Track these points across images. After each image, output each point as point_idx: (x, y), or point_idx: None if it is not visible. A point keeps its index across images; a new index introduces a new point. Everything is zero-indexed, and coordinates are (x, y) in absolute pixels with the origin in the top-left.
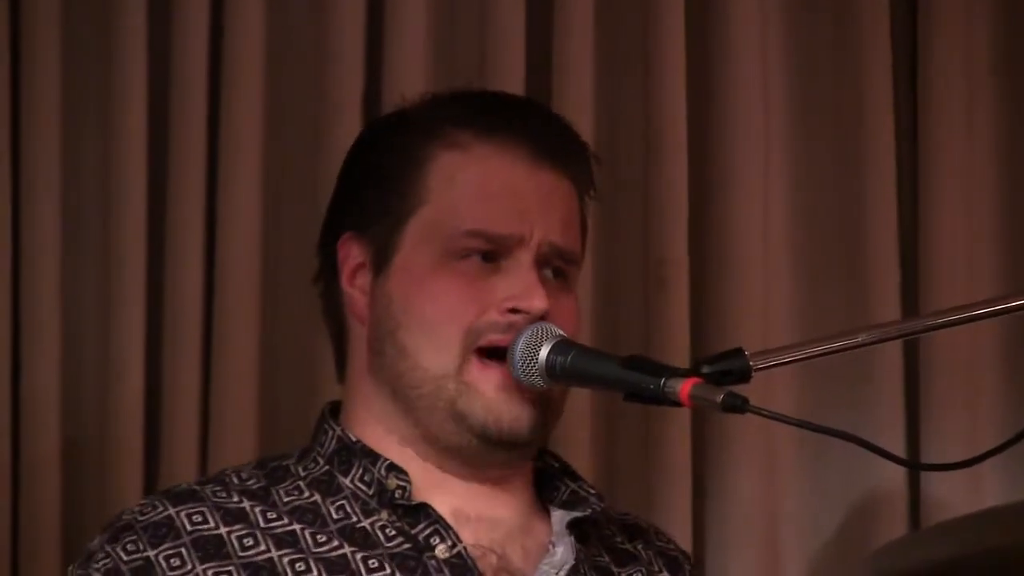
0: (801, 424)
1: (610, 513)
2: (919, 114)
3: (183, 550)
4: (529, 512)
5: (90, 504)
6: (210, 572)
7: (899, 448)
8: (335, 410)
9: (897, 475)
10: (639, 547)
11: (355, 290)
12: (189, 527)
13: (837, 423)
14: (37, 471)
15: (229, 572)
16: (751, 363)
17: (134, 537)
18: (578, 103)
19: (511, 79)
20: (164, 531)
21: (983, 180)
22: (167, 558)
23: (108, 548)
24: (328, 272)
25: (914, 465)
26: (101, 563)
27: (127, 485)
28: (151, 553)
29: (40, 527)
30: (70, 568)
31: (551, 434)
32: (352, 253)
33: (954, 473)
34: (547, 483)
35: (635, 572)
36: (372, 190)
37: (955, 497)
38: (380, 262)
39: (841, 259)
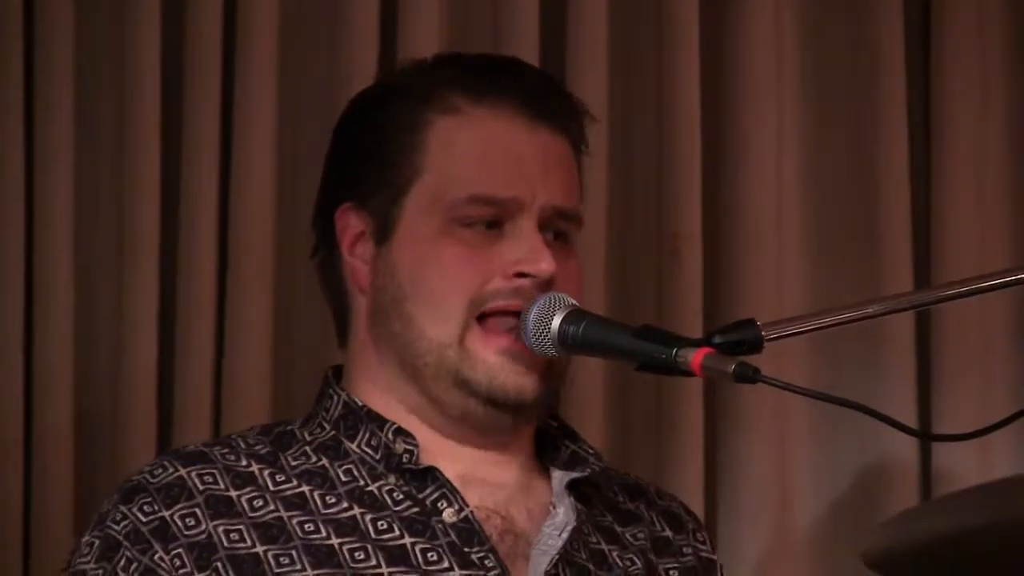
0: (812, 394)
1: (611, 473)
2: (932, 87)
3: (197, 510)
4: (529, 473)
5: (102, 474)
6: (220, 529)
7: (910, 419)
8: (338, 374)
9: (908, 446)
10: (641, 506)
11: (356, 259)
12: (201, 486)
13: (848, 394)
14: (49, 442)
15: (239, 531)
16: (763, 333)
17: (148, 498)
18: (592, 75)
19: (525, 47)
20: (177, 491)
21: (995, 152)
22: (182, 517)
23: (124, 509)
24: (326, 243)
25: (925, 436)
26: (120, 524)
27: (139, 455)
28: (166, 513)
29: (52, 498)
30: (85, 535)
31: (559, 399)
32: (351, 223)
33: (965, 444)
34: (547, 444)
35: (638, 531)
36: (369, 160)
37: (966, 468)
38: (383, 233)
39: (854, 231)
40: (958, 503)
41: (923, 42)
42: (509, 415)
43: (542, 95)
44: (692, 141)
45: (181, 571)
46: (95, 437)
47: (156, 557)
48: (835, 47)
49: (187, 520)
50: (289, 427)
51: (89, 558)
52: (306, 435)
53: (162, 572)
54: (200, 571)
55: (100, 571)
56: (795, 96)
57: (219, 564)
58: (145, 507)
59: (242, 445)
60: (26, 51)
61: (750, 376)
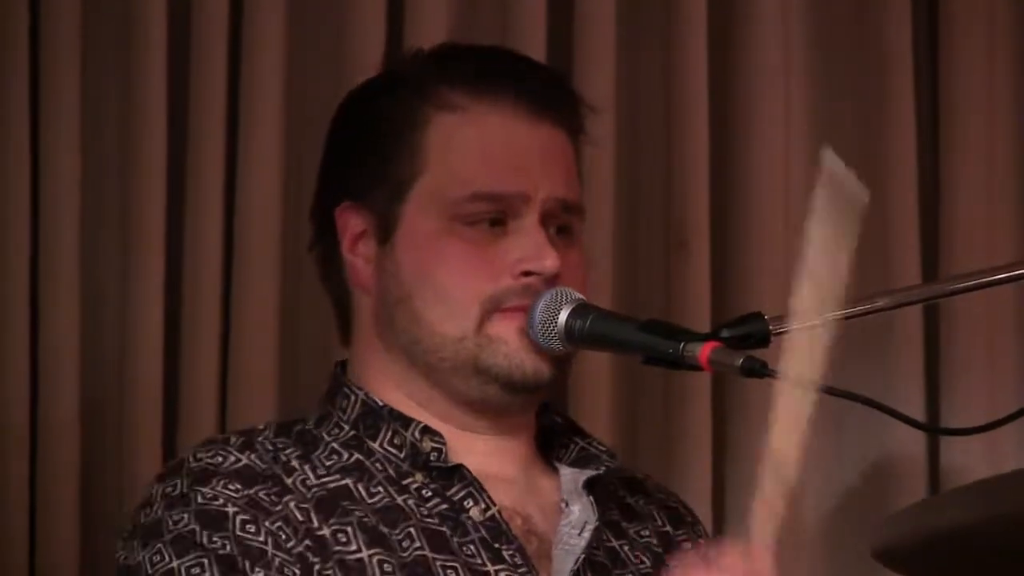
0: (820, 388)
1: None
2: (939, 73)
3: (275, 487)
4: (532, 469)
5: (108, 466)
6: (292, 504)
7: (918, 413)
8: (345, 370)
9: (916, 439)
10: (641, 501)
11: (358, 258)
12: (262, 465)
13: (856, 387)
14: (55, 433)
15: (305, 510)
16: (770, 327)
17: (225, 479)
18: (599, 65)
19: (532, 39)
20: (248, 472)
21: (1003, 145)
22: (266, 495)
23: (205, 489)
24: (326, 239)
25: (933, 430)
26: (216, 502)
27: (145, 447)
28: (250, 492)
29: (58, 489)
30: (165, 521)
31: (566, 387)
32: (352, 222)
33: (973, 438)
34: (553, 441)
35: (643, 528)
36: (368, 157)
37: (974, 461)
38: (384, 232)
39: (862, 225)
40: (967, 497)
41: (931, 34)
42: (522, 397)
43: (541, 88)
44: (700, 132)
45: (288, 543)
46: (101, 428)
47: (265, 527)
48: (843, 39)
49: (271, 496)
50: (305, 426)
51: (192, 527)
52: (325, 435)
53: (280, 540)
54: (299, 543)
55: (221, 540)
56: (803, 88)
57: (308, 541)
58: (229, 486)
59: (268, 446)
60: (32, 41)
61: (758, 370)
